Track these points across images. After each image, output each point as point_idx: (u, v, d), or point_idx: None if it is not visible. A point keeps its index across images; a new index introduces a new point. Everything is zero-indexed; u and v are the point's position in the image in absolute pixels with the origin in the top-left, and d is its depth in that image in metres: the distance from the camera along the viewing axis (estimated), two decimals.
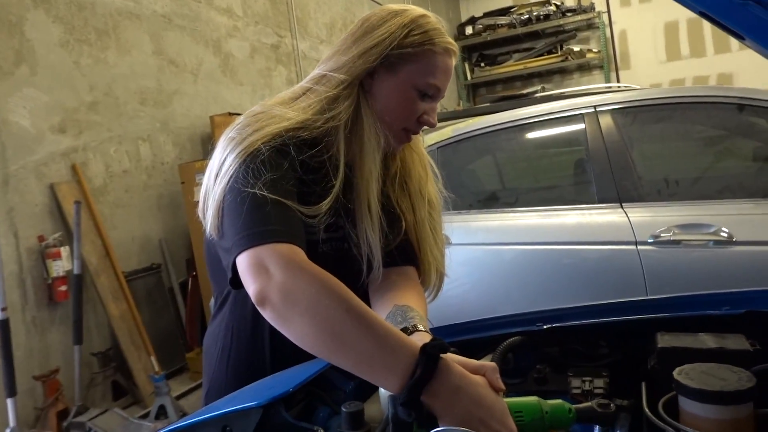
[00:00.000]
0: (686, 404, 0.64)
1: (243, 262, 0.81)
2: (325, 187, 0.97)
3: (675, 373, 0.66)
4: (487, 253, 2.42)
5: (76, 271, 3.23)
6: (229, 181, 0.90)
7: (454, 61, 1.05)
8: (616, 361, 0.87)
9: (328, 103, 0.99)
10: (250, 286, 0.79)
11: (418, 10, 1.05)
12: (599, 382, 0.82)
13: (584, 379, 0.83)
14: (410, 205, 1.13)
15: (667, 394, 0.71)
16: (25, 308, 3.13)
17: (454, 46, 1.05)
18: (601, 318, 0.90)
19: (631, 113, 2.41)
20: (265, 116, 0.99)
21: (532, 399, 0.75)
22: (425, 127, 1.07)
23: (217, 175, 0.94)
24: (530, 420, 0.73)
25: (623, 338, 0.89)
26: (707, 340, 0.76)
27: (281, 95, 1.06)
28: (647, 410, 0.67)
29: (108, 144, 3.75)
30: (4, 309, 2.83)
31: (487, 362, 0.77)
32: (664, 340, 0.77)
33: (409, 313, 0.95)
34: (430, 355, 0.70)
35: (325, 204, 0.94)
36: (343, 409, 0.79)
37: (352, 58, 1.00)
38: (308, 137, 0.98)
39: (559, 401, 0.76)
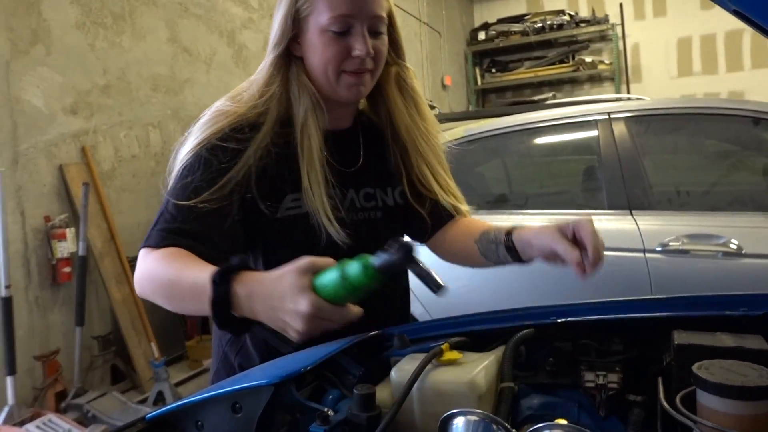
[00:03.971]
0: (705, 399, 0.64)
1: None
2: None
3: (694, 367, 0.66)
4: None
5: (80, 253, 3.24)
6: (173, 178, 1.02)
7: None
8: (630, 358, 0.86)
9: (260, 91, 1.04)
10: None
11: None
12: (613, 377, 0.82)
13: (598, 373, 0.83)
14: (410, 161, 1.14)
15: (683, 391, 0.70)
16: (28, 288, 3.14)
17: None
18: (616, 314, 0.90)
19: (645, 122, 2.41)
20: (217, 114, 1.03)
21: (334, 268, 0.78)
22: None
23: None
24: (333, 289, 0.77)
25: (638, 335, 0.88)
26: (725, 339, 0.75)
27: (235, 89, 1.09)
28: (665, 403, 0.67)
29: (118, 128, 3.76)
30: (8, 287, 2.84)
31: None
32: (681, 337, 0.77)
33: (490, 234, 1.12)
34: (215, 282, 0.82)
35: (207, 194, 0.97)
36: (355, 391, 0.79)
37: (273, 36, 1.05)
38: (256, 123, 1.02)
39: (358, 259, 0.77)
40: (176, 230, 0.95)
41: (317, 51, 1.02)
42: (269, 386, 0.83)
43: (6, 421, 2.76)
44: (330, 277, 0.77)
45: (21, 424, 2.73)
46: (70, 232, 3.21)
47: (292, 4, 1.02)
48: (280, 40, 1.04)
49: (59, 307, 3.29)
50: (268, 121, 1.02)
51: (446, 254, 1.22)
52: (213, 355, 1.18)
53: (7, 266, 2.83)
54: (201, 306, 0.84)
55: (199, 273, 0.85)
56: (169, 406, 0.92)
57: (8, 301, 2.84)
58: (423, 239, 1.23)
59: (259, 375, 0.86)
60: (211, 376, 1.16)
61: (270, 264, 0.89)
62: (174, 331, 4.04)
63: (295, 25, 1.02)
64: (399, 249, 0.76)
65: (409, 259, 0.77)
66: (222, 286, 0.81)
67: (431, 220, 1.17)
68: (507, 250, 1.11)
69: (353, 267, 0.76)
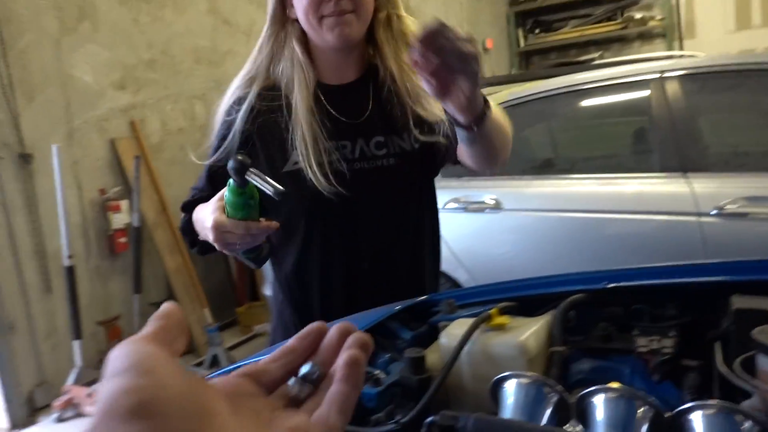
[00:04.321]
0: (765, 363, 0.62)
1: None
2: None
3: (755, 332, 0.64)
4: (539, 219, 2.38)
5: (135, 224, 3.37)
6: None
7: None
8: (685, 323, 0.85)
9: (254, 56, 1.14)
10: None
11: None
12: (667, 342, 0.81)
13: (651, 338, 0.81)
14: (408, 101, 1.13)
15: (742, 356, 0.69)
16: (88, 257, 3.29)
17: None
18: (671, 279, 0.88)
19: (700, 80, 2.30)
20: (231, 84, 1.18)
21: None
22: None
23: None
24: (230, 204, 0.91)
25: (693, 301, 0.86)
26: None
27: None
28: (723, 368, 0.66)
29: (164, 102, 3.84)
30: (70, 257, 2.99)
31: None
32: (741, 302, 0.75)
33: None
34: (183, 215, 1.14)
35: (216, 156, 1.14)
36: (406, 354, 0.81)
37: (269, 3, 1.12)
38: (263, 84, 1.12)
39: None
40: (198, 188, 1.17)
41: (299, 4, 1.06)
42: None
43: (75, 382, 2.95)
44: (225, 198, 0.94)
45: (89, 384, 2.91)
46: (124, 204, 3.34)
47: None
48: (273, 4, 1.10)
49: (117, 275, 3.45)
50: (256, 84, 1.11)
51: (478, 159, 1.14)
52: (271, 313, 1.25)
53: (68, 237, 2.97)
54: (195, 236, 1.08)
55: (202, 214, 1.02)
56: (229, 367, 0.96)
57: (71, 270, 2.99)
58: (458, 161, 1.20)
59: None
60: (270, 333, 1.23)
61: (281, 215, 1.05)
62: (225, 297, 4.18)
63: None
64: (230, 165, 0.89)
65: (239, 172, 0.87)
66: (184, 217, 1.12)
67: (454, 141, 1.12)
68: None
69: (230, 185, 0.92)
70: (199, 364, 3.35)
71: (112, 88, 3.50)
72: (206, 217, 0.95)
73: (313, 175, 1.06)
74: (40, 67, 3.10)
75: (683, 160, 2.17)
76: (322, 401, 0.34)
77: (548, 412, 0.61)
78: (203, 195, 1.10)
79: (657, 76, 2.29)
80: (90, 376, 3.01)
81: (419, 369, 0.81)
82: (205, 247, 1.07)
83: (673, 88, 2.25)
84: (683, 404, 0.57)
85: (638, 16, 8.36)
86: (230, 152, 1.10)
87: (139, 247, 3.40)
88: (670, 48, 8.08)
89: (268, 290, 3.08)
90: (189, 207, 1.13)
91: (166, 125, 3.86)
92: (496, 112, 1.02)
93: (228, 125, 1.13)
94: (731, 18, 8.19)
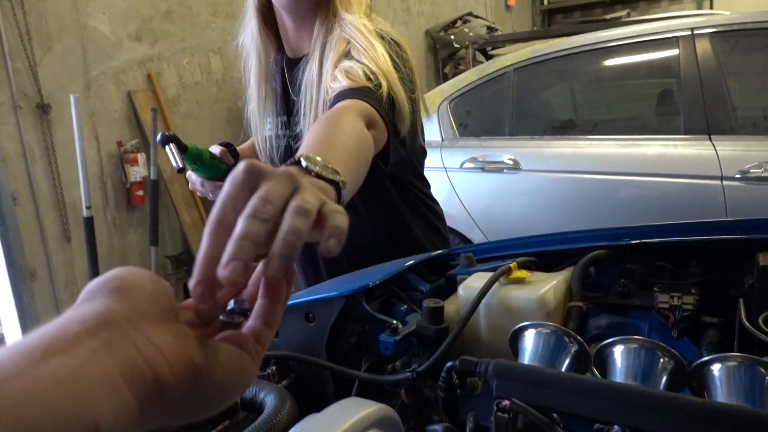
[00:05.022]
0: None
1: None
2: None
3: None
4: (558, 181, 2.35)
5: (152, 177, 3.39)
6: None
7: None
8: (707, 281, 0.84)
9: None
10: None
11: None
12: (688, 299, 0.80)
13: (672, 294, 0.81)
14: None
15: (764, 313, 0.68)
16: (106, 209, 3.34)
17: None
18: (694, 236, 0.86)
19: (733, 38, 2.21)
20: None
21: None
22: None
23: None
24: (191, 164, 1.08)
25: (717, 258, 0.85)
26: None
27: None
28: (747, 323, 0.65)
29: (181, 55, 3.81)
30: (88, 208, 3.02)
31: None
32: (767, 259, 0.73)
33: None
34: None
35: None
36: (424, 305, 0.81)
37: None
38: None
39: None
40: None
41: None
42: (341, 298, 0.86)
43: None
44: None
45: None
46: (141, 157, 3.36)
47: None
48: None
49: (135, 228, 3.50)
50: (243, 53, 1.17)
51: None
52: None
53: (87, 188, 3.01)
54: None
55: None
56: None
57: (90, 221, 3.03)
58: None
59: (330, 287, 0.90)
60: None
61: None
62: None
63: None
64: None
65: (162, 144, 1.04)
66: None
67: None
68: None
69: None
70: None
71: (129, 40, 3.46)
72: None
73: (260, 148, 1.16)
74: (57, 16, 3.07)
75: (709, 122, 2.11)
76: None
77: (567, 361, 0.61)
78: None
79: (688, 33, 2.21)
80: None
81: (437, 319, 0.81)
82: None
83: (703, 47, 2.17)
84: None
85: None
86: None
87: (156, 200, 3.43)
88: (699, 7, 7.79)
89: None
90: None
91: (183, 78, 3.84)
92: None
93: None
94: None
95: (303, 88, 1.06)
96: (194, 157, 1.08)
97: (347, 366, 0.87)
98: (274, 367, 0.82)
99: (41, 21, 3.00)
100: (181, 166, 1.05)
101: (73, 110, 2.92)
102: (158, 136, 1.04)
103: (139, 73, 3.53)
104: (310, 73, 1.05)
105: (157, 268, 3.44)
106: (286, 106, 1.14)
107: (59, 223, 3.11)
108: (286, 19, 1.11)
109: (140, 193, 3.40)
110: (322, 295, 0.88)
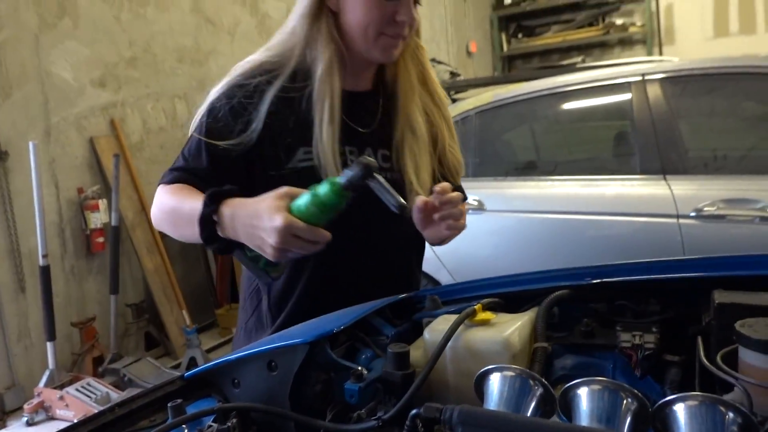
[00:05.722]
0: (748, 356, 0.63)
1: None
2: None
3: (737, 324, 0.65)
4: (521, 221, 2.39)
5: (113, 224, 3.31)
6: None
7: None
8: (667, 319, 0.85)
9: (283, 41, 1.07)
10: None
11: None
12: (650, 337, 0.81)
13: (634, 333, 0.82)
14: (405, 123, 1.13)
15: (723, 349, 0.69)
16: (64, 257, 3.23)
17: None
18: (653, 275, 0.88)
19: (681, 83, 2.33)
20: (243, 62, 1.10)
21: (306, 191, 0.87)
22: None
23: None
24: (305, 207, 0.84)
25: (675, 296, 0.87)
26: None
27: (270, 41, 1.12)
28: (705, 361, 0.66)
29: (145, 100, 3.79)
30: (45, 256, 2.92)
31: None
32: (722, 297, 0.75)
33: None
34: (204, 203, 0.91)
35: (239, 139, 1.03)
36: (389, 350, 0.80)
37: None
38: (276, 72, 1.06)
39: (327, 180, 0.86)
40: (186, 169, 1.05)
41: (360, 10, 1.02)
42: (304, 345, 0.84)
43: (47, 384, 2.88)
44: (303, 198, 0.86)
45: (61, 387, 2.84)
46: (102, 203, 3.28)
47: None
48: None
49: (94, 275, 3.39)
50: (285, 70, 1.05)
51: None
52: (243, 309, 1.22)
53: (44, 236, 2.91)
54: (195, 227, 0.92)
55: (197, 201, 0.94)
56: (206, 365, 0.94)
57: (46, 270, 2.93)
58: None
59: (294, 334, 0.88)
60: (240, 328, 1.20)
61: None
62: (204, 299, 4.13)
63: None
64: (359, 164, 0.82)
65: (368, 175, 0.83)
66: (210, 206, 0.90)
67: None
68: None
69: (323, 186, 0.85)
70: (176, 367, 3.30)
71: (92, 86, 3.44)
72: (259, 214, 0.85)
73: (330, 173, 1.01)
74: (18, 63, 3.04)
75: (663, 163, 2.20)
76: None
77: (533, 405, 0.61)
78: (198, 175, 1.04)
79: (639, 78, 2.32)
80: (62, 378, 2.95)
81: (402, 365, 0.80)
82: (229, 246, 0.93)
83: (654, 91, 2.28)
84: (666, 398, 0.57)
85: (619, 22, 8.49)
86: (250, 135, 1.04)
87: (117, 247, 3.35)
88: (649, 54, 8.21)
89: None
90: (174, 180, 1.04)
91: (147, 124, 3.81)
92: None
93: (247, 106, 1.04)
94: (709, 25, 8.35)
95: (400, 130, 1.12)
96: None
97: (312, 416, 0.84)
98: (234, 420, 0.78)
99: (1, 68, 2.96)
100: (403, 201, 0.84)
101: (31, 157, 2.86)
102: (357, 169, 0.81)
103: (101, 119, 3.49)
104: (410, 116, 1.12)
105: (117, 317, 3.32)
106: (348, 136, 1.08)
107: (13, 273, 3.00)
108: (359, 61, 1.09)
109: (100, 240, 3.31)
110: (285, 342, 0.85)
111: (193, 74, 4.14)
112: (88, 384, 2.80)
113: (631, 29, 8.52)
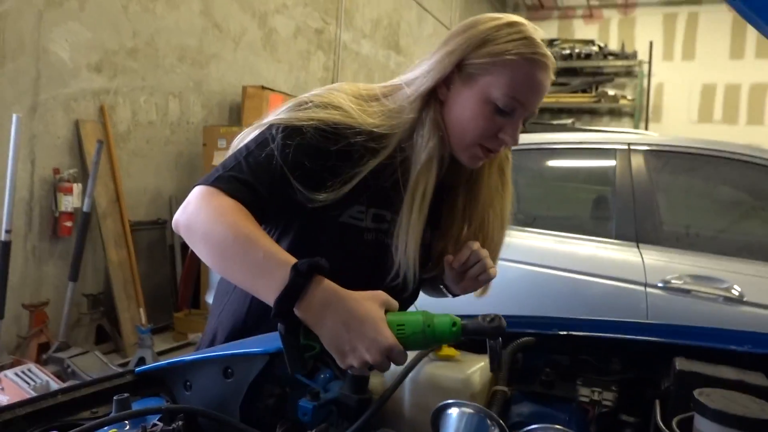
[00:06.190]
0: (703, 425, 0.63)
1: (190, 193, 0.92)
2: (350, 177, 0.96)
3: (696, 392, 0.65)
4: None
5: (85, 209, 3.24)
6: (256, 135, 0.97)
7: (547, 76, 0.95)
8: (627, 379, 0.86)
9: (390, 114, 0.97)
10: (175, 214, 0.92)
11: (511, 17, 0.97)
12: (608, 395, 0.81)
13: (594, 389, 0.82)
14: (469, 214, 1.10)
15: (679, 416, 0.70)
16: (27, 236, 3.14)
17: (548, 58, 0.94)
18: (619, 334, 0.89)
19: (664, 157, 2.40)
20: (330, 99, 0.96)
21: (417, 313, 0.77)
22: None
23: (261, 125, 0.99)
24: (411, 333, 0.75)
25: (637, 358, 0.88)
26: (727, 372, 0.75)
27: (355, 88, 1.02)
28: (662, 424, 0.66)
29: (139, 92, 3.77)
30: (8, 231, 2.84)
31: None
32: (683, 364, 0.76)
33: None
34: (299, 271, 0.76)
35: (325, 195, 0.93)
36: (349, 372, 0.79)
37: (426, 70, 0.97)
38: (372, 143, 0.96)
39: (446, 315, 0.77)
40: (246, 183, 0.90)
41: (468, 114, 0.96)
42: (265, 355, 0.82)
43: None
44: (412, 321, 0.76)
45: (0, 369, 2.72)
46: (77, 188, 3.22)
47: (462, 50, 0.94)
48: (431, 83, 0.96)
49: (55, 260, 3.29)
50: (389, 146, 0.96)
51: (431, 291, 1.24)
52: (210, 314, 1.18)
53: (10, 211, 2.83)
54: (260, 281, 0.79)
55: (277, 250, 0.81)
56: (160, 363, 0.92)
57: (6, 246, 2.84)
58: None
59: (255, 343, 0.86)
60: (205, 333, 1.16)
61: (290, 250, 0.84)
62: (164, 300, 4.04)
63: (454, 70, 0.96)
64: (494, 322, 0.76)
65: (498, 335, 0.77)
66: (303, 278, 0.76)
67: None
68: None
69: (442, 320, 0.76)
70: (125, 365, 3.19)
71: (87, 69, 3.41)
72: (362, 318, 0.74)
73: (403, 263, 0.97)
74: (16, 35, 3.01)
75: (638, 231, 2.25)
76: None
77: None
78: (258, 197, 0.90)
79: (625, 147, 2.39)
80: (3, 360, 2.83)
81: (360, 389, 0.79)
82: (294, 326, 0.77)
83: (637, 162, 2.35)
84: None
85: (611, 92, 8.79)
86: (335, 195, 0.94)
87: (84, 233, 3.27)
88: (636, 127, 8.49)
89: (211, 298, 2.99)
90: (234, 192, 0.88)
91: (137, 116, 3.78)
92: None
93: (343, 167, 0.95)
94: (695, 110, 8.70)
95: (460, 226, 1.10)
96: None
97: (260, 429, 0.82)
98: (180, 422, 0.76)
99: None
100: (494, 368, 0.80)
101: (12, 129, 2.80)
102: (489, 329, 0.76)
103: (91, 103, 3.45)
104: (484, 223, 1.11)
105: (71, 305, 3.22)
106: (386, 201, 1.01)
107: None
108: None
109: (68, 224, 3.23)
110: (245, 350, 0.84)
111: (192, 75, 4.14)
112: (29, 370, 2.69)
113: (622, 101, 8.83)
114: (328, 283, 0.77)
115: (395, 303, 0.79)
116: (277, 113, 0.99)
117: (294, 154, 0.92)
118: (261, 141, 0.94)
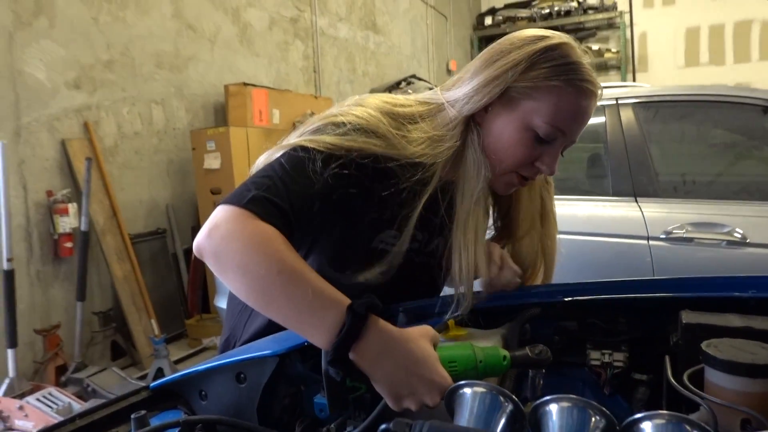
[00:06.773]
0: (713, 376, 0.64)
1: (214, 213, 0.83)
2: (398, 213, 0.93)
3: (703, 345, 0.66)
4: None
5: (83, 228, 3.24)
6: (288, 151, 0.90)
7: (593, 104, 0.91)
8: (636, 338, 0.86)
9: (432, 142, 0.92)
10: (197, 236, 0.82)
11: (559, 37, 0.92)
12: (619, 356, 0.82)
13: (603, 351, 0.83)
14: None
15: (690, 369, 0.70)
16: (30, 261, 3.14)
17: (595, 86, 0.90)
18: (623, 294, 0.89)
19: (653, 108, 2.39)
20: (368, 122, 0.90)
21: (466, 347, 0.76)
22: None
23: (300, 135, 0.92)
24: (463, 369, 0.74)
25: (644, 315, 0.88)
26: (733, 320, 0.75)
27: (389, 103, 0.95)
28: (673, 380, 0.67)
29: (121, 104, 3.74)
30: (10, 260, 2.84)
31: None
32: (689, 317, 0.77)
33: None
34: (356, 313, 0.71)
35: (384, 234, 0.93)
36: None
37: (468, 94, 0.92)
38: (417, 173, 0.91)
39: (493, 347, 0.77)
40: (280, 207, 0.82)
41: (506, 139, 0.92)
42: (274, 357, 0.83)
43: (6, 393, 2.77)
44: (464, 357, 0.75)
45: (21, 396, 2.74)
46: (72, 208, 3.21)
47: (507, 74, 0.89)
48: (477, 101, 0.91)
49: (60, 282, 3.30)
50: (435, 176, 0.92)
51: None
52: (225, 322, 1.18)
53: (9, 240, 2.83)
54: (308, 321, 0.74)
55: (325, 286, 0.76)
56: (173, 376, 0.92)
57: (10, 275, 2.84)
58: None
59: (264, 346, 0.86)
60: (221, 344, 1.17)
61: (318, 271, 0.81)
62: (174, 309, 4.05)
63: (495, 95, 0.91)
64: (541, 354, 0.76)
65: (544, 366, 0.77)
66: (361, 322, 0.72)
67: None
68: None
69: (492, 355, 0.75)
70: (143, 377, 3.22)
71: (66, 87, 3.37)
72: (419, 361, 0.72)
73: (464, 282, 0.93)
74: None
75: (635, 186, 2.24)
76: None
77: (503, 421, 0.61)
78: (282, 225, 0.82)
79: (612, 102, 2.38)
80: (23, 387, 2.85)
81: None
82: (346, 368, 0.73)
83: (627, 115, 2.33)
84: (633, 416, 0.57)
85: (595, 47, 8.72)
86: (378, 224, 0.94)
87: (86, 252, 3.27)
88: (623, 79, 8.43)
89: (220, 302, 3.00)
90: (268, 217, 0.81)
91: (122, 128, 3.75)
92: None
93: (389, 202, 0.93)
94: (681, 55, 8.63)
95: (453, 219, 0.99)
96: None
97: (280, 429, 0.83)
98: None
99: None
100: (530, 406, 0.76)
101: None
102: (535, 360, 0.76)
103: (75, 121, 3.43)
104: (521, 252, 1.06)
105: (82, 325, 3.24)
106: (421, 222, 0.95)
107: None
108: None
109: (69, 245, 3.23)
110: (254, 354, 0.84)
111: (172, 80, 4.10)
112: (50, 394, 2.71)
113: (607, 55, 8.76)
114: (383, 324, 0.74)
115: (438, 336, 0.78)
116: (307, 130, 0.92)
117: (335, 184, 0.87)
118: (296, 163, 0.86)
